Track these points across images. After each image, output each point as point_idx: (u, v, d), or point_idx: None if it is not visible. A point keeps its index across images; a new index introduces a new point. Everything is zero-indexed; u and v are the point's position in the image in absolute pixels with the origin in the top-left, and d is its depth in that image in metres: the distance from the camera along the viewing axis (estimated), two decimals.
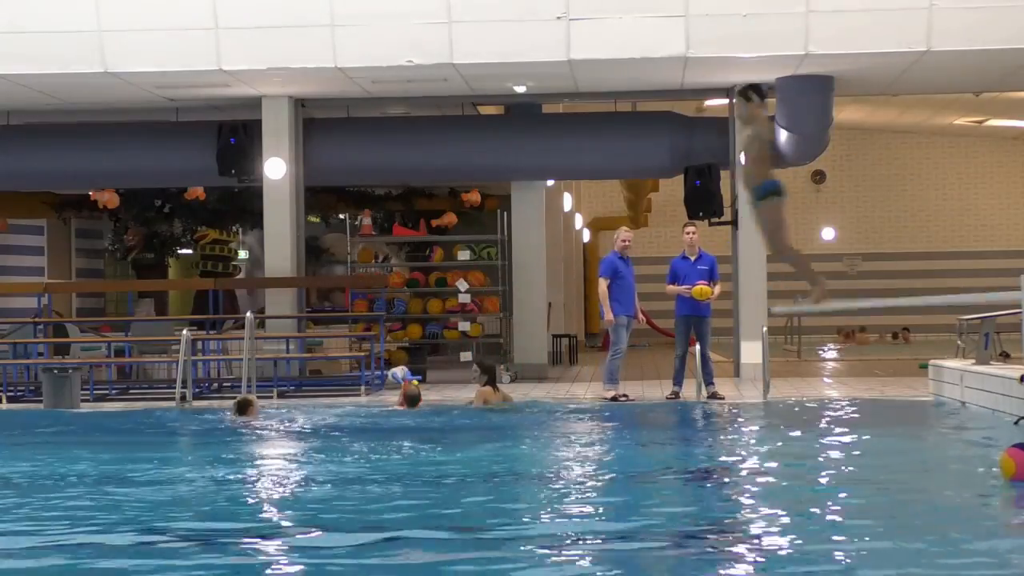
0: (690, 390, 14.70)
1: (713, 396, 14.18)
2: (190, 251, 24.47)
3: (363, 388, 15.50)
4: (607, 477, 8.95)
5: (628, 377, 15.42)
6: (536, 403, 13.99)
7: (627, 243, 14.73)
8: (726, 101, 17.78)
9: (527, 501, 7.84)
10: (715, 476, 8.95)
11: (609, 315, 14.36)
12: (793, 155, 17.74)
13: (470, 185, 22.47)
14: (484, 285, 19.44)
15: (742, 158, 9.38)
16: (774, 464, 9.41)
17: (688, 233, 14.74)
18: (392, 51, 15.49)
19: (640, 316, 14.78)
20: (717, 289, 14.55)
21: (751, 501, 7.75)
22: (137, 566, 6.07)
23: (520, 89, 17.46)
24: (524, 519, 7.18)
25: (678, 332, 14.70)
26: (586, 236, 31.11)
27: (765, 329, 15.19)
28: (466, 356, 19.47)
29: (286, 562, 6.24)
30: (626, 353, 14.67)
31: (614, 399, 14.25)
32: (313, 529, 7.01)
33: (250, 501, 8.03)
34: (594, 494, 8.19)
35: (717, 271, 14.75)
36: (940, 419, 12.44)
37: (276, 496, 8.29)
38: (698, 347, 14.52)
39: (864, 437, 10.82)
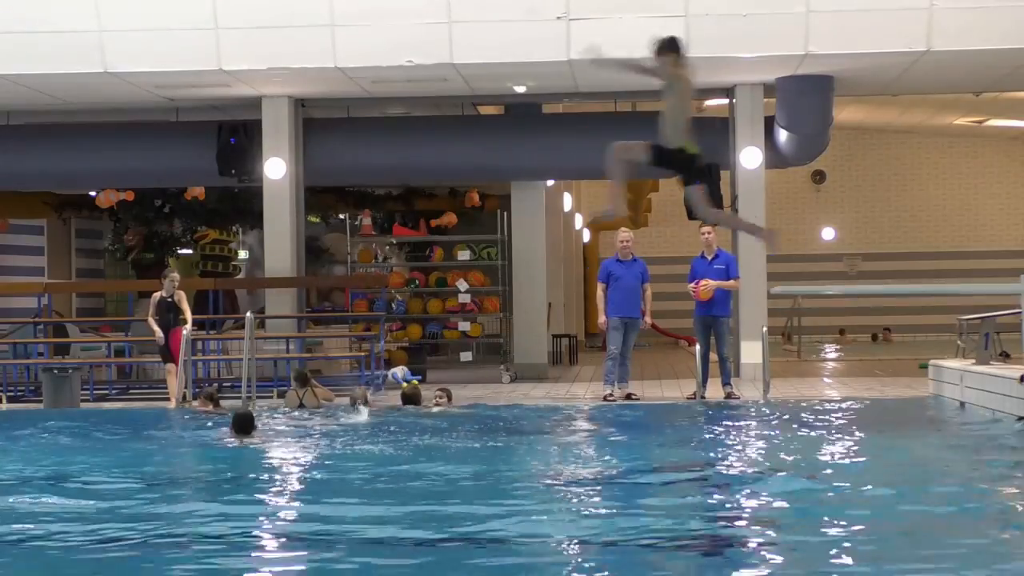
0: (689, 388, 14.73)
1: (729, 396, 14.21)
2: (190, 251, 24.47)
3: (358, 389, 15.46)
4: (605, 477, 8.95)
5: (635, 376, 15.44)
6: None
7: (624, 244, 14.72)
8: (726, 101, 17.78)
9: (525, 501, 7.83)
10: (714, 476, 8.95)
11: (600, 318, 14.70)
12: (793, 155, 17.75)
13: (470, 185, 22.47)
14: (484, 285, 19.43)
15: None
16: (774, 464, 9.41)
17: (704, 234, 14.73)
18: (392, 51, 15.49)
19: (646, 319, 14.72)
20: (731, 283, 14.57)
21: (751, 501, 7.74)
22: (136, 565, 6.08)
23: (520, 89, 17.46)
24: (523, 519, 7.17)
25: (696, 332, 14.72)
26: (586, 236, 31.10)
27: (765, 329, 15.19)
28: (466, 356, 19.48)
29: (285, 563, 6.24)
30: (628, 355, 14.65)
31: (605, 399, 14.34)
32: (310, 529, 7.01)
33: (245, 502, 8.02)
34: (592, 494, 8.19)
35: (735, 268, 14.75)
36: (940, 419, 12.43)
37: (273, 496, 8.29)
38: (697, 348, 14.57)
39: (864, 437, 10.82)
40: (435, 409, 13.16)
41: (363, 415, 12.47)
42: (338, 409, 13.25)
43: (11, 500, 7.86)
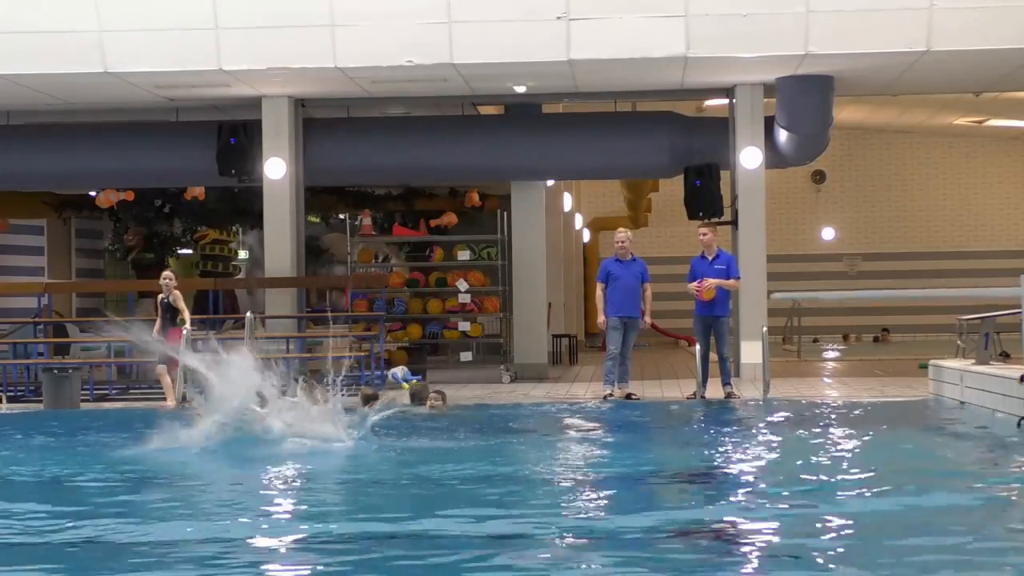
0: (689, 388, 14.73)
1: (729, 396, 14.21)
2: (190, 251, 24.48)
3: (363, 388, 15.46)
4: (605, 477, 8.95)
5: (635, 376, 15.44)
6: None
7: (621, 244, 14.70)
8: (726, 101, 17.79)
9: (525, 501, 7.84)
10: (714, 476, 8.95)
11: (599, 318, 14.70)
12: (793, 155, 17.75)
13: (470, 185, 22.47)
14: (484, 285, 19.43)
15: None
16: (773, 464, 9.41)
17: (702, 235, 14.71)
18: (392, 51, 15.49)
19: (646, 319, 14.71)
20: (732, 283, 14.56)
21: (751, 501, 7.75)
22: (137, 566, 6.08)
23: (520, 89, 17.46)
24: (521, 519, 7.17)
25: (696, 332, 14.71)
26: (586, 236, 31.12)
27: (765, 329, 15.19)
28: (466, 356, 19.47)
29: (286, 564, 6.23)
30: (628, 354, 14.66)
31: (605, 398, 14.35)
32: (312, 529, 7.00)
33: (246, 502, 8.02)
34: (592, 494, 8.19)
35: (736, 268, 14.73)
36: (940, 419, 12.43)
37: (274, 497, 8.29)
38: (697, 348, 14.58)
39: (864, 437, 10.81)
40: (430, 410, 13.12)
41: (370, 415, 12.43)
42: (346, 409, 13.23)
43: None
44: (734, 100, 17.39)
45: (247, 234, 25.19)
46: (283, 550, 6.51)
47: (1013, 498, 7.84)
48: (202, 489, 8.58)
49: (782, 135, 17.20)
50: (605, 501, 7.89)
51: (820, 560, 5.97)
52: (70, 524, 7.06)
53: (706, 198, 17.45)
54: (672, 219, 29.41)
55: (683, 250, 26.02)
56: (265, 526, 7.15)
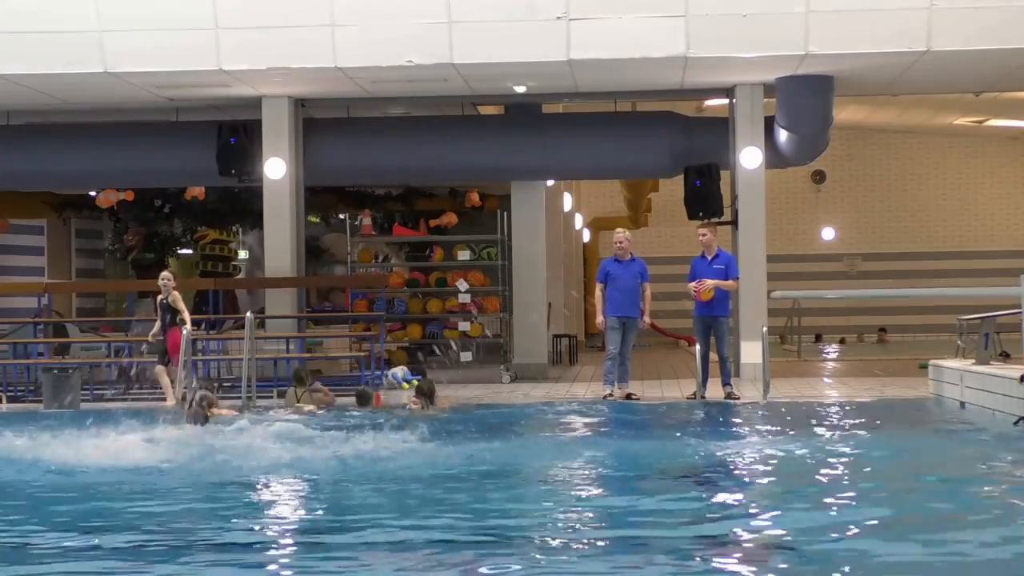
0: (689, 388, 14.72)
1: (729, 396, 14.20)
2: (190, 251, 24.48)
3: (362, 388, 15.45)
4: (605, 477, 8.95)
5: (635, 376, 15.44)
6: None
7: (619, 244, 14.70)
8: (726, 101, 17.79)
9: (524, 501, 7.83)
10: (713, 476, 8.95)
11: (598, 318, 14.71)
12: (793, 155, 17.75)
13: (470, 185, 22.47)
14: (484, 285, 19.42)
15: None
16: (773, 464, 9.41)
17: (701, 235, 14.71)
18: (392, 51, 15.50)
19: (645, 319, 14.71)
20: (730, 284, 14.55)
21: (750, 501, 7.75)
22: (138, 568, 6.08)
23: (520, 89, 17.46)
24: (522, 519, 7.17)
25: (696, 332, 14.70)
26: (586, 236, 31.12)
27: (765, 329, 15.18)
28: (466, 356, 19.46)
29: (285, 563, 6.23)
30: (627, 354, 14.65)
31: (605, 398, 14.34)
32: (313, 528, 7.00)
33: (247, 502, 8.01)
34: (592, 494, 8.19)
35: (735, 269, 14.72)
36: (940, 419, 12.43)
37: (276, 496, 8.28)
38: (697, 348, 14.58)
39: (864, 437, 10.82)
40: (409, 411, 13.04)
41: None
42: (343, 409, 13.24)
43: None
44: (734, 100, 17.39)
45: (247, 234, 25.18)
46: (280, 548, 6.52)
47: (1009, 491, 7.84)
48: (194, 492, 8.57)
49: (782, 135, 17.20)
50: (604, 502, 7.89)
51: (820, 562, 5.97)
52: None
53: (706, 198, 17.45)
54: (672, 219, 29.42)
55: (683, 250, 26.01)
56: (248, 532, 7.15)
